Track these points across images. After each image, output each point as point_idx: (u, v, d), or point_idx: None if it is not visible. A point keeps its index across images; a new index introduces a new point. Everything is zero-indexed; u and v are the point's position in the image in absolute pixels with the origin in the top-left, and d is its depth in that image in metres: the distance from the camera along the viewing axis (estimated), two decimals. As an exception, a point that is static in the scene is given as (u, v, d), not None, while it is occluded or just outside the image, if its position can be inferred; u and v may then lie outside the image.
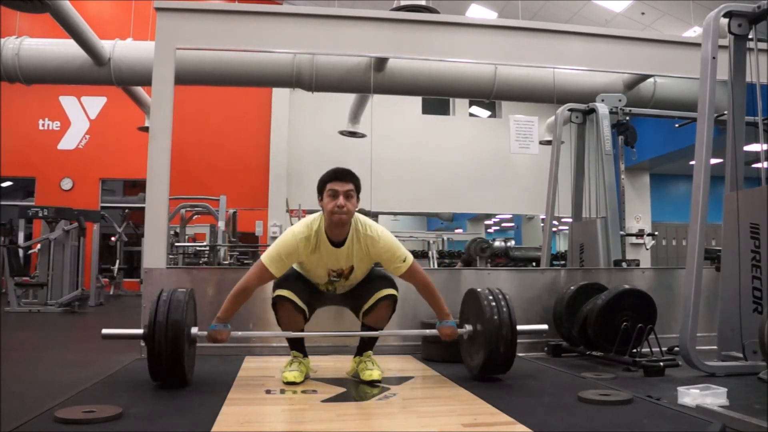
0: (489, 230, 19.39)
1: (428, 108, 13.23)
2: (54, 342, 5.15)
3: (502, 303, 2.94)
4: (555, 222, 6.15)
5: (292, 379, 2.88)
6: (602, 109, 5.29)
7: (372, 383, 2.90)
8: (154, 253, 4.06)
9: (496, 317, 2.88)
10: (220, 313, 2.84)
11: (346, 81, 7.62)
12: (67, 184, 12.44)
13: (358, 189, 2.89)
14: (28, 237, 9.72)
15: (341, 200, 2.78)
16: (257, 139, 12.44)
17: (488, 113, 13.81)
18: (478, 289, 3.06)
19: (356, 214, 2.93)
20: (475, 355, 3.03)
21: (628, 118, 5.45)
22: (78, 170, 12.45)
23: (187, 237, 10.83)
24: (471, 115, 14.02)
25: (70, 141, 12.66)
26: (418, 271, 2.97)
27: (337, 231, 2.88)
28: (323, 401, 2.54)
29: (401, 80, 7.81)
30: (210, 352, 3.91)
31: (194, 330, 2.85)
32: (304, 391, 2.73)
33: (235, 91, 11.52)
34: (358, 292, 3.06)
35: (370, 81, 7.53)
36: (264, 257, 2.86)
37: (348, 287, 3.08)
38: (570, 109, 5.50)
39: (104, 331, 2.80)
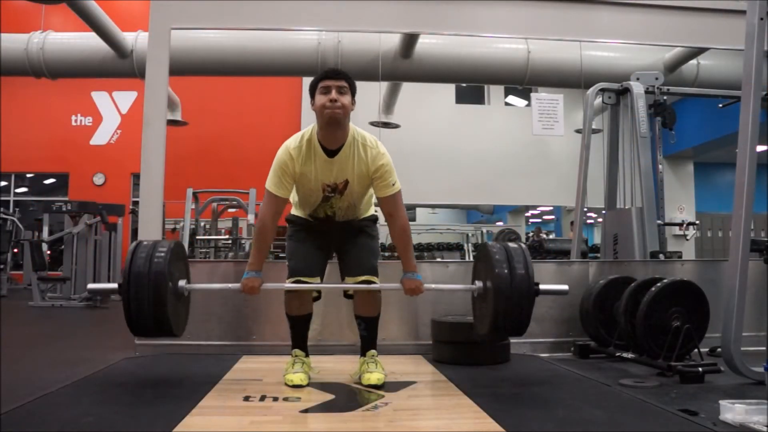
0: (528, 222, 18.87)
1: (462, 97, 12.85)
2: (55, 338, 5.06)
3: (516, 257, 2.59)
4: (593, 214, 5.79)
5: (298, 382, 2.68)
6: (637, 87, 4.86)
7: (370, 388, 2.65)
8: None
9: (506, 272, 2.54)
10: (250, 260, 2.75)
11: (373, 69, 7.31)
12: (99, 179, 12.49)
13: (353, 89, 2.68)
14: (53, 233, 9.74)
15: (333, 94, 2.58)
16: (288, 130, 12.28)
17: (525, 102, 13.36)
18: (490, 243, 2.75)
19: (353, 126, 2.70)
20: (483, 317, 2.72)
21: (665, 98, 5.01)
22: (110, 165, 12.49)
23: (223, 231, 10.70)
24: (507, 104, 13.60)
25: (102, 136, 12.70)
26: (401, 204, 2.75)
27: (331, 135, 2.63)
28: (302, 411, 2.27)
29: (430, 67, 7.49)
30: (207, 351, 3.72)
31: (182, 283, 2.70)
32: (286, 399, 2.46)
33: (266, 83, 11.38)
34: (351, 250, 2.85)
35: (398, 69, 7.26)
36: (266, 184, 2.70)
37: (346, 215, 2.84)
38: (602, 89, 5.07)
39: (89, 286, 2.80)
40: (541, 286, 2.60)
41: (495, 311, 2.55)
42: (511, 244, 2.69)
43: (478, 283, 2.76)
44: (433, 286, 2.84)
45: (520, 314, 2.56)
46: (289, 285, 2.76)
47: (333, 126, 2.60)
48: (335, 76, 2.63)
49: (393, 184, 2.70)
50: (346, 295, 2.92)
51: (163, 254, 2.56)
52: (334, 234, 2.89)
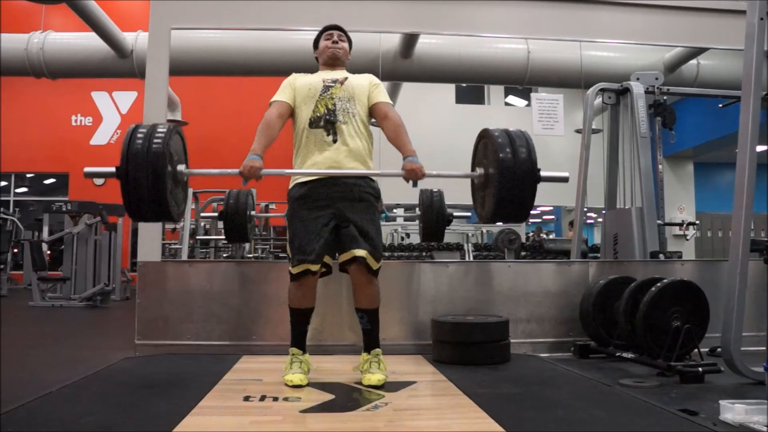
0: (528, 222, 18.81)
1: (462, 97, 12.84)
2: (55, 338, 5.06)
3: (518, 141, 2.58)
4: (593, 214, 5.78)
5: (297, 382, 2.68)
6: (637, 87, 4.85)
7: (370, 388, 2.64)
8: (148, 246, 3.87)
9: (508, 156, 2.52)
10: (252, 146, 2.75)
11: (373, 69, 7.31)
12: (99, 179, 12.48)
13: (350, 42, 3.08)
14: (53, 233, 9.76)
15: (336, 37, 2.99)
16: (287, 130, 12.29)
17: (525, 102, 13.35)
18: (492, 128, 2.71)
19: None
20: (486, 201, 2.70)
21: (665, 98, 5.01)
22: (110, 165, 12.46)
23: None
24: (507, 104, 13.59)
25: (102, 136, 12.70)
26: (395, 111, 2.90)
27: (330, 71, 2.98)
28: (302, 411, 2.26)
29: (430, 67, 7.49)
30: (207, 351, 3.71)
31: (181, 167, 2.64)
32: (286, 399, 2.46)
33: (266, 83, 11.39)
34: (352, 224, 2.71)
35: (398, 69, 7.26)
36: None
37: (346, 117, 2.78)
38: (602, 89, 5.07)
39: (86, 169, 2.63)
40: (542, 173, 2.58)
41: (499, 195, 2.54)
42: (512, 129, 2.65)
43: (479, 170, 2.75)
44: (435, 172, 2.78)
45: (523, 198, 2.56)
46: (289, 171, 2.82)
47: (333, 62, 2.98)
48: (337, 28, 3.04)
49: (387, 97, 2.93)
50: (343, 269, 2.79)
51: (162, 136, 2.43)
52: (336, 203, 2.74)
